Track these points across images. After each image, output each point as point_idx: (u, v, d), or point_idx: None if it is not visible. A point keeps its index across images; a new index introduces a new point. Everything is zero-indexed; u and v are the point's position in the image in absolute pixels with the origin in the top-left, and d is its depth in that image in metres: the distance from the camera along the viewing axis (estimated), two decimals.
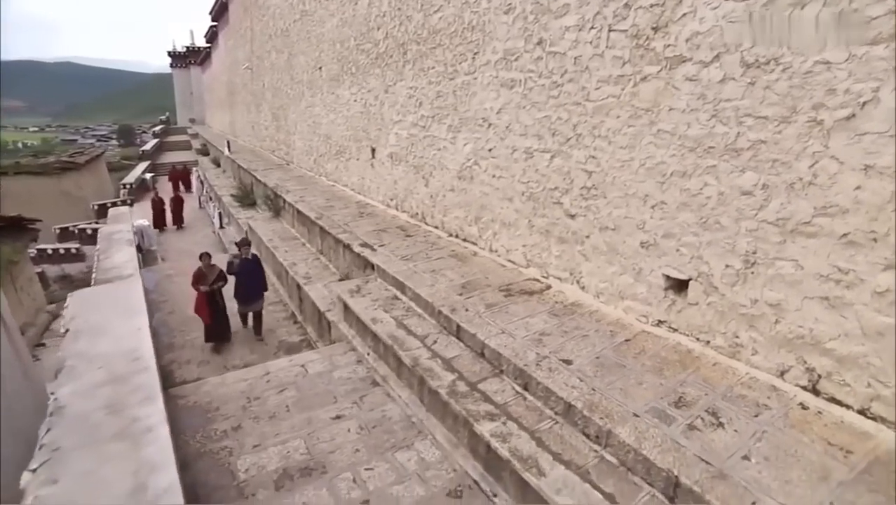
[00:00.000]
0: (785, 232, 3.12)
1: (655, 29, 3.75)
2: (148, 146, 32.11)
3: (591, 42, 4.32)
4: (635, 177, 4.08)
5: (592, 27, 4.28)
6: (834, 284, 2.93)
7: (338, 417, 4.13)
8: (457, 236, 6.76)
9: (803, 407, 2.99)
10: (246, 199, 13.09)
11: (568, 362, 3.59)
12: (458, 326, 4.30)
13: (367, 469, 3.52)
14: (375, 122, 8.98)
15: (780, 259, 3.17)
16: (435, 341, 4.33)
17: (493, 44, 5.57)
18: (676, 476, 2.50)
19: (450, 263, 5.83)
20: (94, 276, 7.07)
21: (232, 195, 13.76)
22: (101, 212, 17.82)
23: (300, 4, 12.44)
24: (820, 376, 3.04)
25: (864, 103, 2.73)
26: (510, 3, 5.20)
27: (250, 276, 7.06)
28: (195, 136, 33.35)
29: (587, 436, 3.04)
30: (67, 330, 3.74)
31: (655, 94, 3.82)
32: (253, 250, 7.60)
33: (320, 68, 11.56)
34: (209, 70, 34.58)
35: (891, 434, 2.72)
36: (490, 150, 5.86)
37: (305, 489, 3.35)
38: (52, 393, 2.86)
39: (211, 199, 16.12)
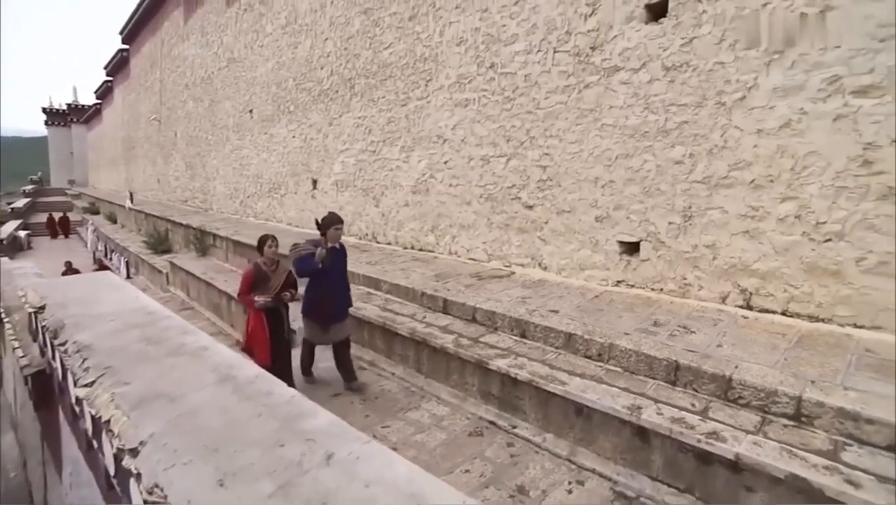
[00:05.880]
0: (710, 187, 4.04)
1: (593, 48, 4.75)
2: (19, 204, 28.33)
3: (538, 62, 5.25)
4: (585, 164, 4.91)
5: (539, 50, 5.23)
6: (750, 219, 3.84)
7: (336, 395, 4.11)
8: (412, 248, 7.12)
9: (744, 318, 3.76)
10: (161, 244, 12.23)
11: (555, 312, 4.08)
12: (445, 301, 4.61)
13: (383, 427, 3.57)
14: (318, 155, 9.27)
15: (710, 209, 4.06)
16: (424, 316, 4.56)
17: (445, 71, 6.38)
18: (676, 361, 3.03)
19: (415, 264, 6.15)
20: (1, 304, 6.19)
21: (144, 242, 12.74)
22: None
23: (227, 53, 12.66)
24: (751, 294, 3.86)
25: (750, 88, 3.80)
26: (462, 37, 6.09)
27: (341, 277, 4.28)
28: (78, 196, 30.20)
29: (589, 357, 3.48)
30: (44, 305, 3.47)
31: (597, 97, 4.76)
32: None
33: (251, 111, 11.69)
34: (98, 127, 32.13)
35: (806, 323, 3.56)
36: (446, 162, 6.49)
37: None
38: (66, 341, 2.71)
39: (113, 251, 14.69)
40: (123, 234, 16.09)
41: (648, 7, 4.31)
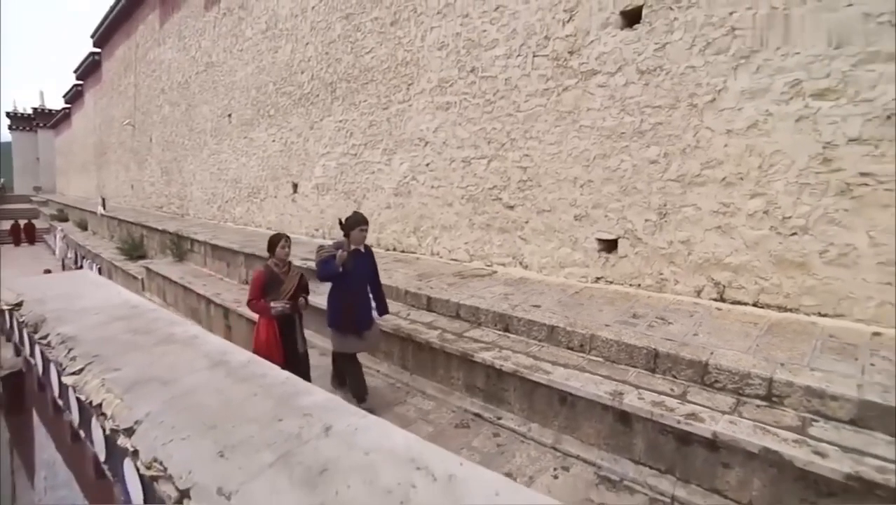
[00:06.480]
0: (684, 185, 4.21)
1: (571, 52, 4.92)
2: None
3: (518, 66, 5.40)
4: (564, 165, 5.05)
5: (519, 55, 5.38)
6: (722, 215, 4.02)
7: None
8: (394, 249, 7.16)
9: (718, 309, 3.92)
10: (135, 250, 11.95)
11: (537, 306, 4.17)
12: (429, 298, 4.66)
13: None
14: (298, 158, 9.24)
15: (684, 206, 4.23)
16: (409, 314, 4.60)
17: (427, 75, 6.48)
18: (655, 349, 3.15)
19: (397, 265, 6.19)
20: None
21: (118, 248, 12.42)
22: None
23: (205, 57, 12.53)
24: (724, 287, 4.03)
25: (719, 90, 4.00)
26: (443, 41, 6.21)
27: (367, 281, 3.99)
28: (45, 203, 29.22)
29: (572, 349, 3.58)
30: (21, 302, 3.40)
31: (575, 99, 4.92)
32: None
33: (230, 115, 11.57)
34: (67, 132, 31.19)
35: (775, 313, 3.73)
36: (428, 164, 6.57)
37: None
38: (48, 334, 2.67)
39: (84, 257, 14.27)
40: (95, 241, 15.64)
41: (623, 14, 4.49)
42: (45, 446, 3.26)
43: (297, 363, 3.78)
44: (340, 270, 3.64)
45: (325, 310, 3.93)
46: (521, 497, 1.22)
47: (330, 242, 3.90)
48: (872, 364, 2.77)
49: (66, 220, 22.03)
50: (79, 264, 14.88)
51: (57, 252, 17.88)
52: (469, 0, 5.83)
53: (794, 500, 2.28)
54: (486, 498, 1.21)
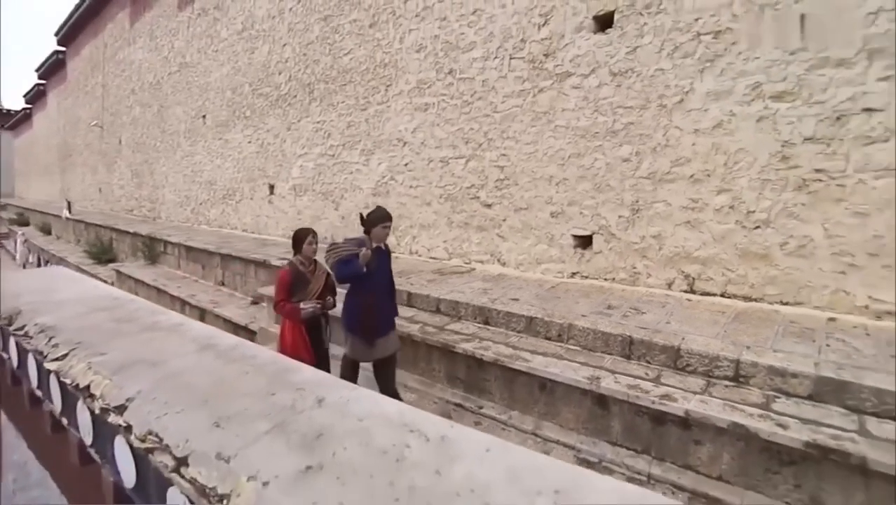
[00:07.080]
0: (655, 182, 4.40)
1: (546, 55, 5.08)
2: None
3: (495, 68, 5.54)
4: (540, 164, 5.19)
5: (496, 57, 5.52)
6: (691, 210, 4.22)
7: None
8: None
9: (689, 300, 4.10)
10: (104, 254, 11.60)
11: (516, 300, 4.28)
12: (409, 294, 4.71)
13: None
14: (275, 160, 9.17)
15: (655, 202, 4.41)
16: None
17: (405, 77, 6.56)
18: (630, 336, 3.28)
19: None
20: None
21: (86, 252, 12.02)
22: None
23: (178, 57, 12.31)
24: (694, 279, 4.22)
25: (687, 92, 4.21)
26: (421, 44, 6.31)
27: (387, 282, 3.75)
28: (3, 207, 27.99)
29: (550, 339, 3.69)
30: None
31: (550, 100, 5.08)
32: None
33: (204, 116, 11.39)
34: (27, 134, 29.98)
35: (741, 302, 3.94)
36: (406, 164, 6.63)
37: None
38: (24, 325, 2.62)
39: (48, 262, 13.76)
40: (60, 246, 15.08)
41: (596, 18, 4.68)
42: (15, 447, 3.17)
43: (323, 364, 3.59)
44: (365, 270, 3.35)
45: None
46: (509, 452, 1.29)
47: (341, 240, 3.63)
48: (828, 345, 2.97)
49: (26, 224, 21.16)
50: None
51: (17, 257, 17.15)
52: (447, 3, 5.96)
53: (760, 470, 2.43)
54: (478, 454, 1.28)
